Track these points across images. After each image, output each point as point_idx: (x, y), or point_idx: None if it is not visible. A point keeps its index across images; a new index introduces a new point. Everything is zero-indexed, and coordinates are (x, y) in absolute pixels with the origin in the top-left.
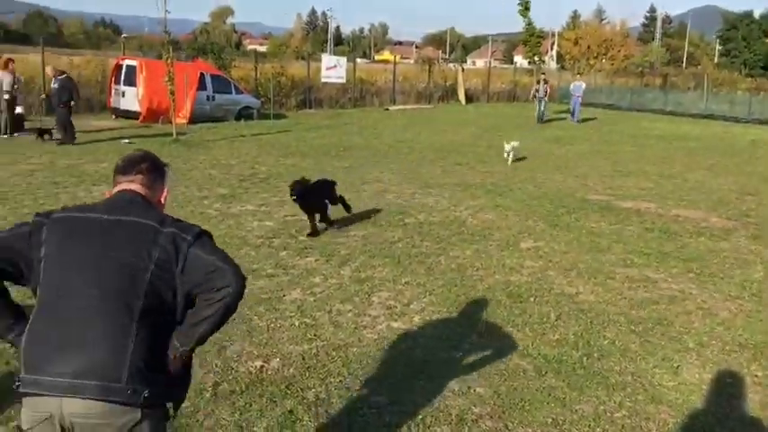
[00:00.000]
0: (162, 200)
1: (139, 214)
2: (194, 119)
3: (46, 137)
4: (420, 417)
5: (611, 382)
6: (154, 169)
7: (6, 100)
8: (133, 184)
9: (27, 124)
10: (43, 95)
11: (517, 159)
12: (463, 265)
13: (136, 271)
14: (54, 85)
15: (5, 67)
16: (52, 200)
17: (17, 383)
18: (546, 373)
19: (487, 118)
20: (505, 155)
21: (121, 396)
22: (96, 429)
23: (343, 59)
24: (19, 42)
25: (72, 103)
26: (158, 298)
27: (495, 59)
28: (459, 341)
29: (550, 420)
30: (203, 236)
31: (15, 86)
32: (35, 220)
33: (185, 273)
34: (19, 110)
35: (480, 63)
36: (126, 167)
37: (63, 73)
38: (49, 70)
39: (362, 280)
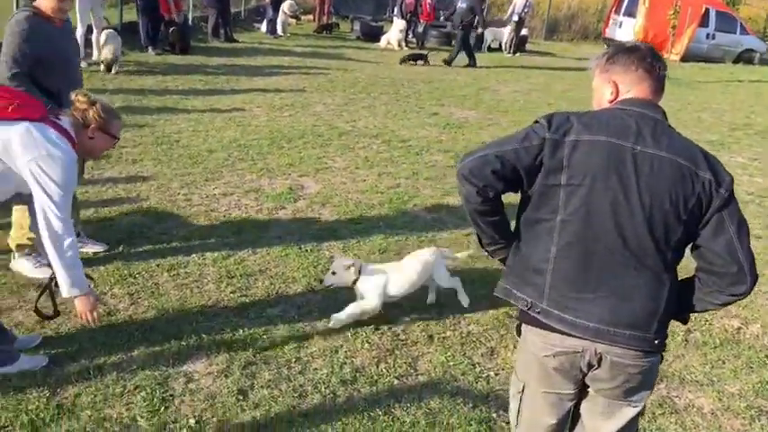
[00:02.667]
0: None
1: (673, 148)
2: (686, 57)
3: (419, 62)
4: None
5: None
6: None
7: (515, 22)
8: (654, 95)
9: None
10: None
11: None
12: None
13: (671, 220)
14: (461, 5)
15: None
16: None
17: (535, 309)
18: None
19: None
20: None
21: (650, 346)
22: (624, 368)
23: None
24: None
25: (476, 27)
26: (683, 248)
27: None
28: None
29: None
30: (733, 195)
31: (525, 10)
32: (550, 138)
33: (701, 230)
34: (524, 32)
35: None
36: (651, 62)
37: None
38: None
39: None
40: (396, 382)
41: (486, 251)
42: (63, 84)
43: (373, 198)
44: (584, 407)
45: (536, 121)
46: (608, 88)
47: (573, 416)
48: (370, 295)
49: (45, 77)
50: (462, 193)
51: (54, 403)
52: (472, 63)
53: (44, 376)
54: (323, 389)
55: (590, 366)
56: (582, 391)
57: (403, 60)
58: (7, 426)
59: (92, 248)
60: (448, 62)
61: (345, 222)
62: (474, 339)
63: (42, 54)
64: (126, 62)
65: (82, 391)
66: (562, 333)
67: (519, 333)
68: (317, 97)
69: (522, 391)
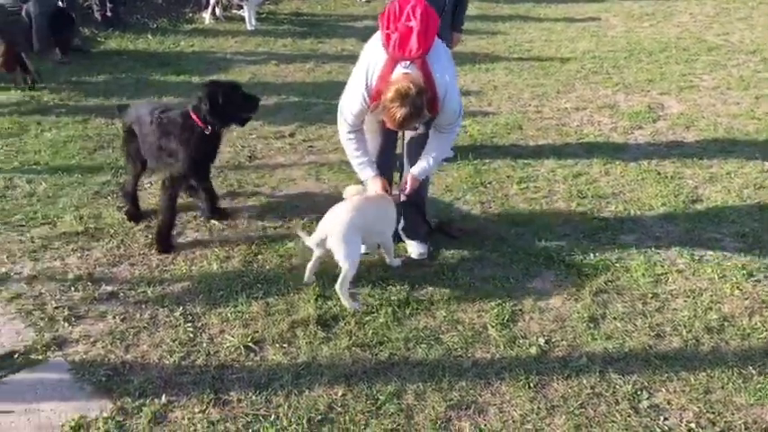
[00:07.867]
0: None
1: None
2: None
3: None
4: None
5: None
6: None
7: None
8: None
9: None
10: None
11: None
12: None
13: None
14: None
15: None
16: None
17: None
18: None
19: None
20: None
21: None
22: None
23: None
24: None
25: None
26: None
27: None
28: None
29: None
30: None
31: None
32: None
33: None
34: None
35: None
36: None
37: None
38: None
39: None
40: None
41: None
42: None
43: (748, 124)
44: None
45: None
46: None
47: None
48: None
49: None
50: None
51: (412, 298)
52: None
53: (404, 270)
54: (684, 332)
55: None
56: None
57: None
58: (373, 312)
59: None
60: None
61: (713, 150)
62: None
63: None
64: None
65: (436, 291)
66: None
67: None
68: (682, 6)
69: None
